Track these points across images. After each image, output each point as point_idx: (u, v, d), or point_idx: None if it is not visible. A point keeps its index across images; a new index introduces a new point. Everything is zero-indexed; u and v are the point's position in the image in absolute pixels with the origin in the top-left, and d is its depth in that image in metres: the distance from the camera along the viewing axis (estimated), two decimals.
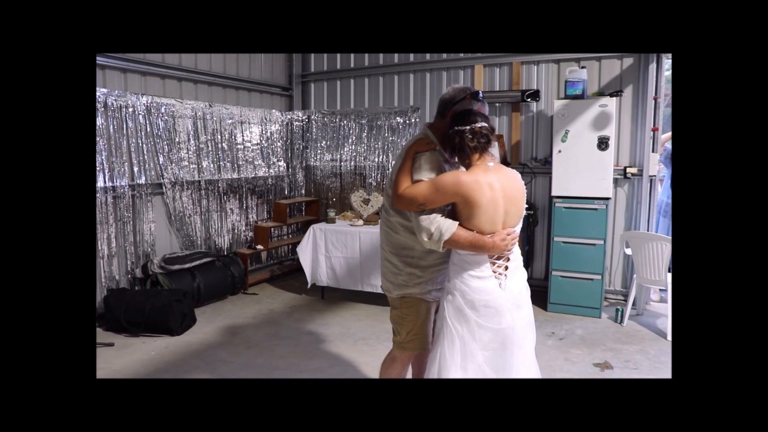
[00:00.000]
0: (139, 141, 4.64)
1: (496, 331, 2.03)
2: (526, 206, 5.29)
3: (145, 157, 4.71)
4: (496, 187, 2.01)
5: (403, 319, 2.34)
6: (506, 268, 2.07)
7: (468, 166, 2.07)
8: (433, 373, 2.09)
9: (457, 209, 2.04)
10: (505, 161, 5.02)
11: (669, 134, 5.16)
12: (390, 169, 5.80)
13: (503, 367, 2.05)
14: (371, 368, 3.53)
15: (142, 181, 4.67)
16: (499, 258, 2.06)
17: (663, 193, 5.19)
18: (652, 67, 4.59)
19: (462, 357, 2.03)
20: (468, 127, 2.02)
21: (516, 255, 2.13)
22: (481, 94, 2.23)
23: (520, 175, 2.18)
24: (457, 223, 2.02)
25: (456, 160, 2.16)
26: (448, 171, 2.14)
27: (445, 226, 2.00)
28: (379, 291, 4.68)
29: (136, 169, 4.62)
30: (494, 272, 2.05)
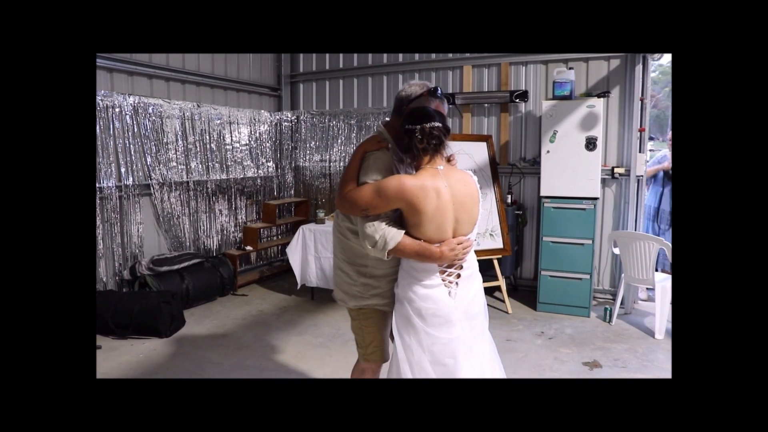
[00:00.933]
0: (126, 141, 4.60)
1: (445, 342, 1.92)
2: (516, 206, 5.32)
3: (133, 157, 4.67)
4: (444, 193, 1.89)
5: (363, 331, 2.23)
6: (458, 276, 1.97)
7: (417, 168, 1.95)
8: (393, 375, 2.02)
9: (403, 216, 1.93)
10: (494, 162, 5.04)
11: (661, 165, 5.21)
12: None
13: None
14: None
15: (130, 182, 4.63)
16: (450, 266, 1.95)
17: (650, 198, 5.23)
18: (639, 68, 4.64)
19: (413, 369, 1.93)
20: (418, 127, 1.88)
21: (470, 263, 2.02)
22: (440, 91, 2.08)
23: (474, 179, 2.05)
24: (403, 231, 1.91)
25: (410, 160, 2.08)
26: (400, 173, 2.00)
27: (390, 235, 1.88)
28: None
29: (123, 170, 4.58)
30: (444, 281, 1.94)
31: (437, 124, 1.91)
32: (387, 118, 2.11)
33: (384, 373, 2.31)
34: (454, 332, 1.93)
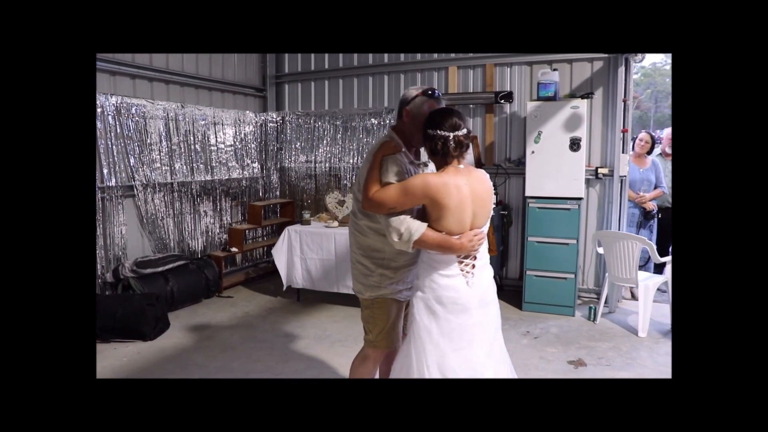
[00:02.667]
0: (109, 142, 4.54)
1: (463, 327, 2.09)
2: (501, 207, 5.35)
3: (116, 158, 4.60)
4: (464, 189, 2.05)
5: (374, 319, 2.37)
6: (473, 266, 2.13)
7: (440, 168, 2.11)
8: (404, 369, 2.14)
9: (426, 210, 2.09)
10: (479, 162, 5.07)
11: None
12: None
13: (474, 366, 2.10)
14: (348, 370, 3.51)
15: (113, 183, 4.57)
16: (466, 257, 2.11)
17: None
18: (621, 70, 4.69)
19: (433, 354, 2.07)
20: (452, 135, 2.04)
21: (483, 254, 2.18)
22: (437, 93, 2.27)
23: (488, 177, 2.22)
24: (426, 224, 2.06)
25: (419, 160, 2.28)
26: (414, 172, 2.23)
27: (414, 227, 2.05)
28: (355, 292, 4.69)
29: (105, 171, 4.51)
30: (461, 270, 2.11)
31: (465, 131, 2.07)
32: (393, 122, 2.23)
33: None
34: (471, 319, 2.10)
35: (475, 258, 2.13)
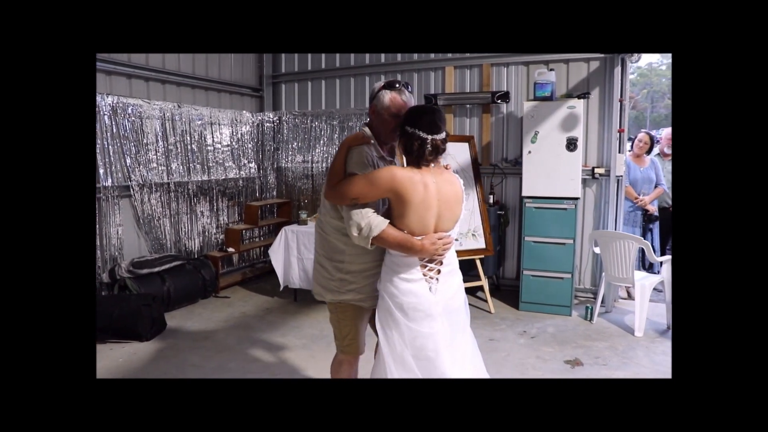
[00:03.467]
0: (105, 142, 4.52)
1: (426, 335, 1.99)
2: (498, 206, 5.36)
3: (112, 158, 4.59)
4: (431, 187, 1.97)
5: (339, 323, 2.31)
6: (438, 272, 2.04)
7: (410, 164, 2.04)
8: (376, 375, 2.10)
9: (390, 207, 2.02)
10: (476, 162, 5.07)
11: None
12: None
13: (440, 375, 1.99)
14: None
15: (109, 183, 4.56)
16: (430, 261, 2.03)
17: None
18: (617, 70, 4.70)
19: (395, 363, 1.99)
20: (430, 138, 1.96)
21: (451, 259, 2.09)
22: (401, 84, 2.17)
23: (461, 182, 2.14)
24: (388, 221, 1.99)
25: (391, 157, 2.22)
26: (382, 166, 2.12)
27: (375, 222, 1.97)
28: None
29: (102, 171, 4.50)
30: (425, 275, 2.02)
31: (443, 135, 2.00)
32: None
33: (366, 369, 2.35)
34: (435, 326, 2.00)
35: (441, 263, 2.04)
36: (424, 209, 1.96)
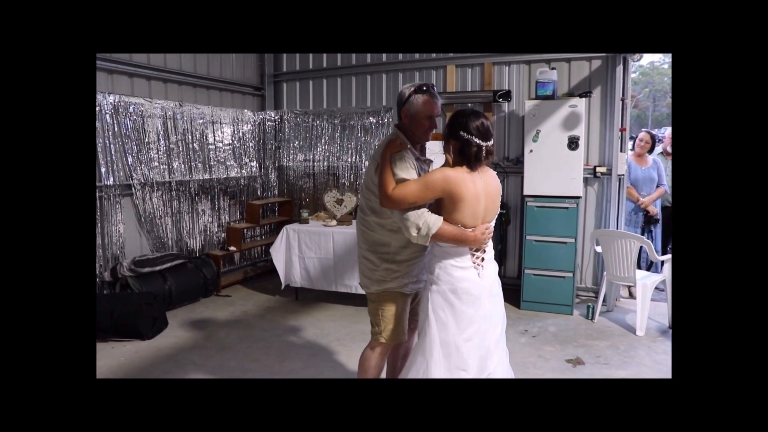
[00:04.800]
0: (107, 141, 4.53)
1: (474, 318, 2.19)
2: (500, 205, 5.35)
3: (113, 157, 4.60)
4: (478, 183, 2.17)
5: (381, 312, 2.43)
6: (482, 259, 2.25)
7: (457, 164, 2.19)
8: (414, 365, 2.23)
9: (442, 204, 2.17)
10: None
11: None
12: (363, 170, 5.79)
13: (482, 354, 2.21)
14: (346, 369, 3.52)
15: (110, 182, 4.56)
16: (477, 250, 2.23)
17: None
18: (619, 69, 4.69)
19: (445, 346, 2.17)
20: (485, 145, 2.14)
21: (490, 248, 2.31)
22: (432, 87, 2.35)
23: (497, 175, 2.33)
24: (442, 218, 2.16)
25: (423, 156, 2.40)
26: (420, 167, 2.33)
27: (432, 221, 2.14)
28: (353, 291, 4.70)
29: (103, 169, 4.51)
30: (473, 263, 2.22)
31: (493, 141, 2.20)
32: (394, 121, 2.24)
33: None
34: (483, 309, 2.22)
35: (484, 251, 2.26)
36: (475, 203, 2.16)
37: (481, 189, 2.18)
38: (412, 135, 2.36)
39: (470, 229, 2.18)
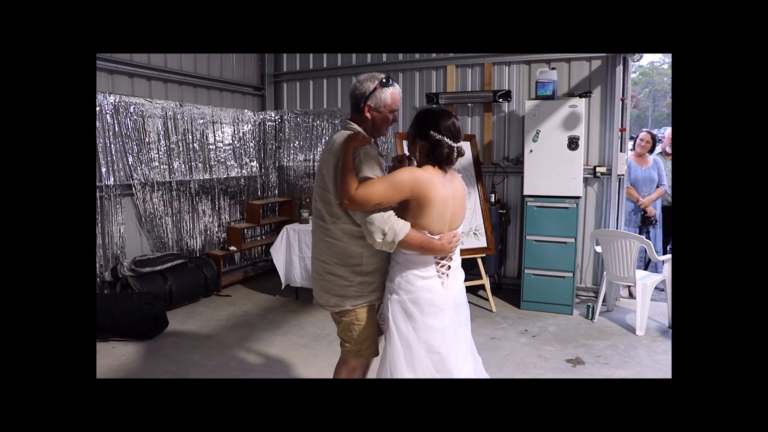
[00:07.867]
0: (107, 141, 4.53)
1: (437, 329, 2.04)
2: (500, 205, 5.37)
3: (114, 157, 4.60)
4: (447, 186, 2.05)
5: (357, 328, 2.21)
6: (449, 267, 2.11)
7: (420, 165, 2.10)
8: (384, 374, 2.09)
9: (407, 206, 2.02)
10: (477, 161, 5.07)
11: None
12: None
13: (449, 368, 2.05)
14: None
15: (111, 182, 4.57)
16: (443, 258, 2.09)
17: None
18: (619, 69, 4.69)
19: (407, 357, 2.02)
20: (455, 146, 2.05)
21: (457, 255, 2.17)
22: (390, 80, 2.18)
23: (461, 179, 2.23)
24: (409, 224, 2.00)
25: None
26: (383, 164, 2.17)
27: (398, 227, 1.97)
28: None
29: (104, 169, 4.51)
30: (437, 272, 2.08)
31: (462, 143, 2.11)
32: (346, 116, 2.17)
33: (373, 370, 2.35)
34: (446, 320, 2.06)
35: (450, 259, 2.12)
36: (443, 207, 2.03)
37: (449, 192, 2.04)
38: (375, 130, 2.19)
39: (437, 236, 2.03)
